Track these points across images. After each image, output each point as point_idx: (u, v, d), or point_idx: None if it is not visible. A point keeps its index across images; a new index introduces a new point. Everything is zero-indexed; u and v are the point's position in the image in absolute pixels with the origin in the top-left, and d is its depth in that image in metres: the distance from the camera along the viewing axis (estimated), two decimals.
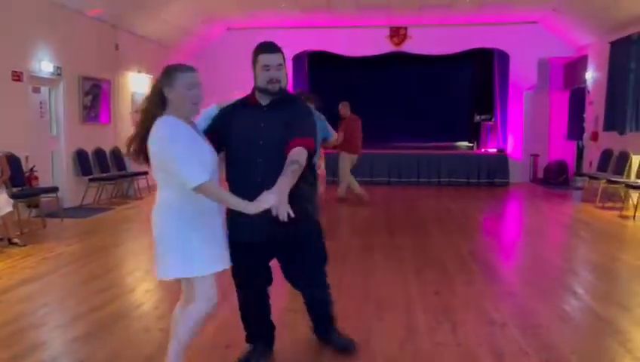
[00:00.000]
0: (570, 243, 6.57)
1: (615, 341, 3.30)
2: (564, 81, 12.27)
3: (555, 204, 9.30)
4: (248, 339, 3.03)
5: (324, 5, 10.80)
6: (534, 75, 12.22)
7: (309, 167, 2.82)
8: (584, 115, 11.50)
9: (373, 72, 13.36)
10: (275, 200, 2.24)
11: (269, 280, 2.91)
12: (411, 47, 12.42)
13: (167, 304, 4.02)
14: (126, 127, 10.26)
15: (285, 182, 2.34)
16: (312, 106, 6.21)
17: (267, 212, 2.28)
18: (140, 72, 10.68)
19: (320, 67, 13.09)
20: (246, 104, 2.80)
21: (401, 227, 7.00)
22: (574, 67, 11.75)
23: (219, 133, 2.69)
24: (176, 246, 2.42)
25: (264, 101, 2.73)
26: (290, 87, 13.59)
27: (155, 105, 2.44)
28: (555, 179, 11.62)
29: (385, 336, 3.33)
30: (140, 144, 2.45)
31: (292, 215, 2.25)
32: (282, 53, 2.73)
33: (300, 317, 3.69)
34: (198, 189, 2.28)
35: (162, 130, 2.35)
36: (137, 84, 10.66)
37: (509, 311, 3.76)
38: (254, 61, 2.71)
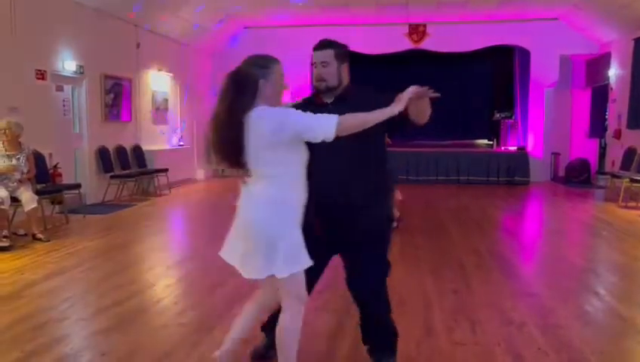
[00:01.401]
0: (591, 243, 6.48)
1: (637, 342, 3.25)
2: (586, 79, 12.09)
3: (576, 203, 9.17)
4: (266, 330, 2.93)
5: (343, 3, 10.79)
6: (556, 72, 12.04)
7: (383, 151, 2.70)
8: (606, 113, 11.31)
9: (392, 69, 13.28)
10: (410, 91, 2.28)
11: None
12: (430, 44, 12.33)
13: (187, 299, 4.08)
14: (147, 125, 10.40)
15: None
16: None
17: (327, 197, 2.39)
18: (160, 70, 10.81)
19: None
20: (312, 103, 2.70)
21: (419, 225, 6.97)
22: (597, 64, 11.56)
23: None
24: (285, 242, 2.26)
25: (328, 99, 2.65)
26: (307, 86, 13.52)
27: (250, 98, 2.25)
28: (577, 177, 11.45)
29: (402, 335, 3.31)
30: (240, 146, 2.23)
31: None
32: (334, 50, 2.61)
33: (315, 317, 3.71)
34: (340, 127, 2.20)
35: (272, 112, 2.23)
36: (158, 82, 10.80)
37: (528, 311, 3.73)
38: None
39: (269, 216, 2.27)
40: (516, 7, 11.00)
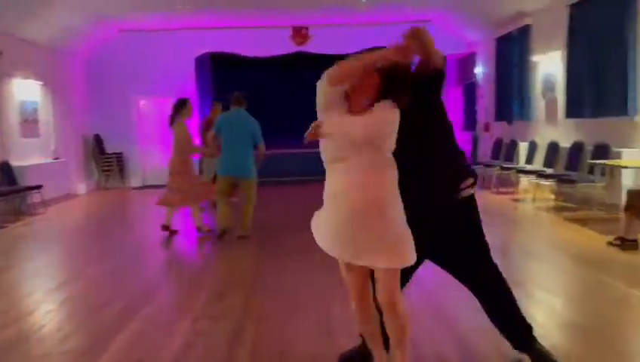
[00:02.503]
0: None
1: None
2: (457, 76, 13.03)
3: None
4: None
5: (224, 5, 10.66)
6: None
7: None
8: (476, 108, 12.30)
9: (277, 72, 13.39)
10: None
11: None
12: (314, 47, 12.58)
13: (71, 324, 3.79)
14: (15, 138, 9.51)
15: None
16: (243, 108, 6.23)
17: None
18: (27, 78, 9.93)
19: (223, 69, 12.91)
20: None
21: (302, 223, 7.06)
22: (466, 63, 12.52)
23: None
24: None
25: None
26: (193, 90, 13.12)
27: None
28: None
29: (303, 332, 3.35)
30: None
31: None
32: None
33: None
34: None
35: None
36: (25, 92, 9.91)
37: (414, 297, 3.92)
38: None
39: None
40: (392, 10, 11.56)
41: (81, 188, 11.56)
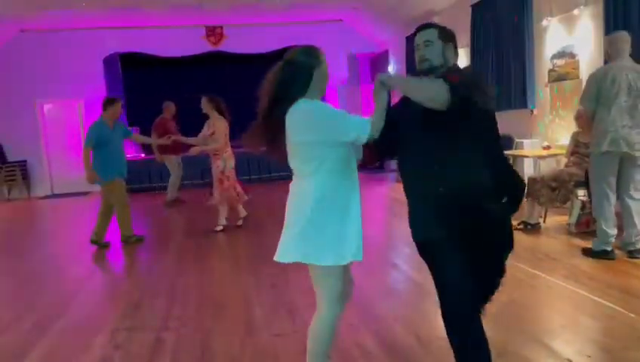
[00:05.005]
0: (388, 221, 7.21)
1: (432, 304, 3.70)
2: (371, 74, 13.37)
3: (373, 186, 10.11)
4: None
5: (133, 4, 10.26)
6: (345, 70, 13.11)
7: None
8: (390, 105, 12.70)
9: (193, 72, 13.10)
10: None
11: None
12: (229, 46, 12.44)
13: None
14: None
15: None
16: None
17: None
18: None
19: (135, 69, 12.44)
20: None
21: (236, 225, 6.99)
22: (379, 61, 12.88)
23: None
24: (332, 234, 2.34)
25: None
26: (102, 92, 12.52)
27: (302, 86, 2.29)
28: (371, 163, 12.64)
29: (225, 336, 3.32)
30: (279, 132, 2.28)
31: None
32: (437, 29, 2.49)
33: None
34: (373, 130, 2.26)
35: (312, 105, 2.27)
36: None
37: None
38: None
39: (313, 209, 2.36)
40: (305, 10, 11.67)
41: None
